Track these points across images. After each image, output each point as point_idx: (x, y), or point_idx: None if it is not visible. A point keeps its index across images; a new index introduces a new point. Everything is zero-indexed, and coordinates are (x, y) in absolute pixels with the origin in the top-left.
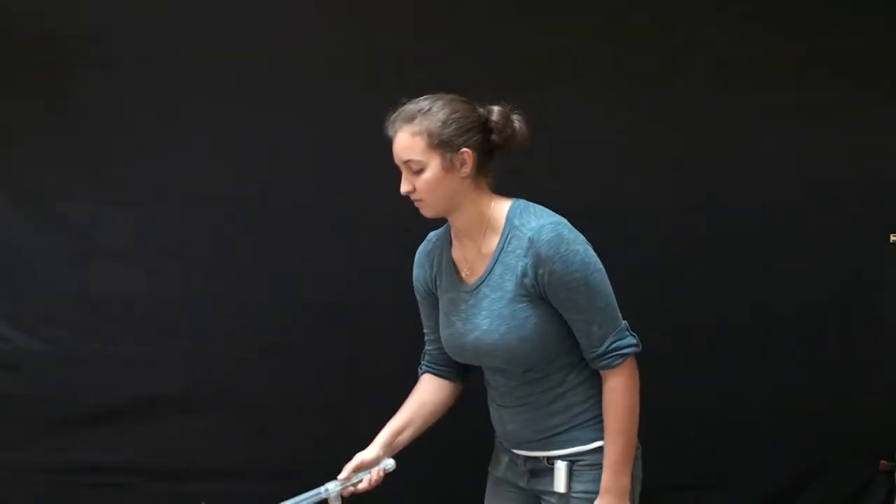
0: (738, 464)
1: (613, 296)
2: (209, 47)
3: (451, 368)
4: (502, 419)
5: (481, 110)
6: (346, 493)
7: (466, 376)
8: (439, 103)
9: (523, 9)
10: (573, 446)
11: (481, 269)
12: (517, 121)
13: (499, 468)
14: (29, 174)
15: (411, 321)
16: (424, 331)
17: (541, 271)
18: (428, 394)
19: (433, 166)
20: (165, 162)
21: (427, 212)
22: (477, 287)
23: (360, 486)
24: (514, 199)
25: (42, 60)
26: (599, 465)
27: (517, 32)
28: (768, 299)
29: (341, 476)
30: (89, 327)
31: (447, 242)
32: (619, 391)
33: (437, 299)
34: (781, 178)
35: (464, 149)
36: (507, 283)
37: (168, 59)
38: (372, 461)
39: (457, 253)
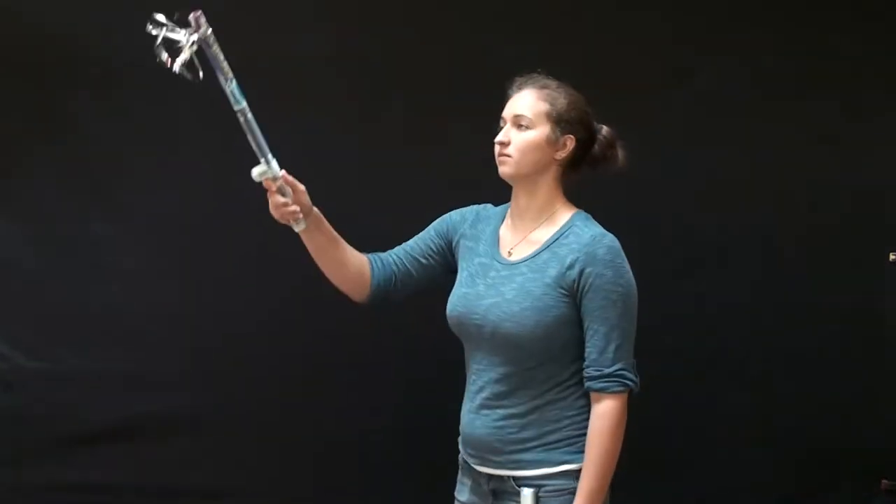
0: (737, 482)
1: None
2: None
3: (384, 281)
4: (473, 423)
5: (596, 122)
6: (270, 184)
7: (382, 298)
8: (570, 90)
9: (523, 9)
10: (539, 468)
11: (525, 254)
12: (621, 148)
13: (464, 493)
14: (27, 192)
15: (412, 321)
16: (403, 245)
17: (588, 270)
18: (362, 262)
19: (539, 131)
20: (164, 181)
21: (507, 169)
22: (516, 264)
23: (277, 196)
24: (580, 210)
25: (40, 77)
26: (566, 492)
27: (517, 33)
28: (767, 304)
29: (285, 175)
30: (87, 346)
31: (501, 218)
32: (610, 418)
33: (446, 246)
34: (781, 178)
35: (571, 135)
36: (550, 269)
37: (168, 77)
38: (303, 202)
39: (504, 231)
